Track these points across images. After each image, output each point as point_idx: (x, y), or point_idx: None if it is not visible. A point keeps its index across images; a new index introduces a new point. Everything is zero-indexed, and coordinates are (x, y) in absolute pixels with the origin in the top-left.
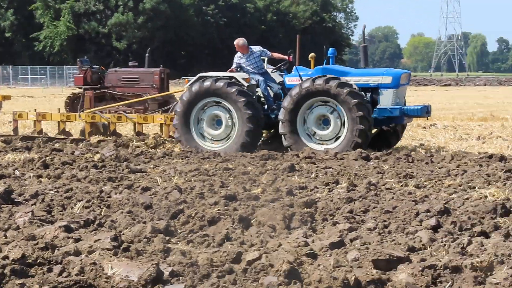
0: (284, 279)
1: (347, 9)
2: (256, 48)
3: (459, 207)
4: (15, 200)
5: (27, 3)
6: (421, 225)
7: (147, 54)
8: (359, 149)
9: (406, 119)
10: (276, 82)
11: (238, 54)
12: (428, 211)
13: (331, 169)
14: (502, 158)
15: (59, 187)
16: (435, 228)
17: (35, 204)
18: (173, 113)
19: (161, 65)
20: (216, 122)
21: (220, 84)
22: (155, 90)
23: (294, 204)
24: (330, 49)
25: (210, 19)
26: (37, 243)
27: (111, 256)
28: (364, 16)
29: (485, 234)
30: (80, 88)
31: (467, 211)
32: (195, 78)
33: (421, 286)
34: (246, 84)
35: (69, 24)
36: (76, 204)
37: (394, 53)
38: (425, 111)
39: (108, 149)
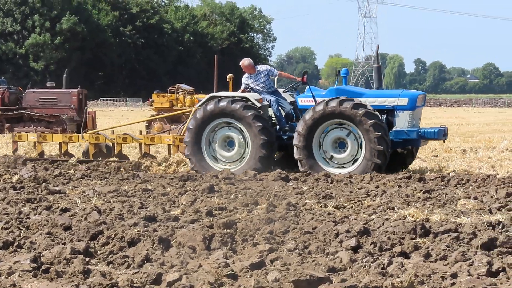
0: None
1: (265, 30)
2: (263, 67)
3: (379, 228)
4: None
5: None
6: (341, 245)
7: (64, 75)
8: (278, 170)
9: (423, 142)
10: (287, 101)
11: (246, 74)
12: (348, 231)
13: (250, 190)
14: (421, 179)
15: None
16: (355, 249)
17: None
18: (181, 134)
19: (79, 86)
20: (228, 143)
21: (237, 106)
22: (73, 111)
23: (214, 225)
24: (343, 69)
25: (127, 39)
26: None
27: (30, 278)
28: (282, 37)
29: (405, 255)
30: None
31: (387, 231)
32: (206, 98)
33: None
34: (259, 104)
35: None
36: None
37: (312, 74)
38: (442, 134)
39: (27, 170)
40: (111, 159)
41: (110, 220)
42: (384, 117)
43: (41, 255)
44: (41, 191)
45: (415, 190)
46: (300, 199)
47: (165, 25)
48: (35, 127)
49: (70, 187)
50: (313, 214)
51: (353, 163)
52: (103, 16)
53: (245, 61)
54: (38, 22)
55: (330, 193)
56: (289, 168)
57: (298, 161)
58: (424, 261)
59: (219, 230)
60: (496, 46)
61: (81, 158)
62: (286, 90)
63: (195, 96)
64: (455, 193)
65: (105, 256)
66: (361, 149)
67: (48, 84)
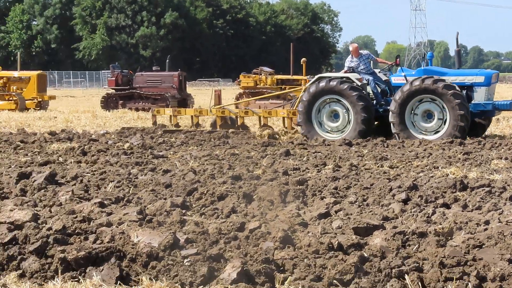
0: (280, 244)
1: (333, 22)
2: (365, 52)
3: (425, 184)
4: (58, 181)
5: (68, 19)
6: (393, 198)
7: (167, 60)
8: (342, 136)
9: (497, 113)
10: (383, 81)
11: (349, 57)
12: (399, 187)
13: (320, 153)
14: (461, 143)
15: (95, 171)
16: (405, 201)
17: (75, 184)
18: (294, 108)
19: (179, 69)
20: (334, 115)
21: (334, 83)
22: (174, 90)
23: (289, 182)
24: (429, 53)
25: (219, 31)
26: (76, 217)
27: (136, 227)
28: (347, 27)
29: (447, 206)
30: (113, 89)
31: (432, 186)
32: (314, 78)
33: (392, 248)
34: (359, 83)
35: (103, 37)
36: (109, 184)
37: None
38: None
39: (136, 138)
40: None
41: (203, 179)
42: (464, 92)
43: (146, 208)
44: (147, 156)
45: (456, 152)
46: (361, 160)
47: (250, 18)
48: (143, 104)
49: (172, 152)
50: (371, 173)
51: (435, 133)
52: (199, 11)
53: (354, 45)
54: (145, 17)
55: (386, 155)
56: (384, 135)
57: (391, 123)
58: (462, 211)
59: (293, 187)
60: None
61: (210, 129)
62: (381, 71)
63: (275, 76)
64: (489, 155)
65: (199, 209)
66: (445, 122)
67: (154, 68)
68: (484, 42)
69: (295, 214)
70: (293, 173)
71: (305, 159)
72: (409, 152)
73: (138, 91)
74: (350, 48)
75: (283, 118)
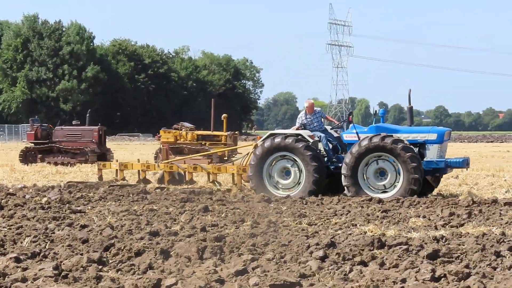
0: None
1: (255, 78)
2: (318, 109)
3: (343, 241)
4: None
5: None
6: (311, 256)
7: (87, 115)
8: (262, 193)
9: (449, 170)
10: (334, 137)
11: (302, 114)
12: (317, 244)
13: (238, 209)
14: (380, 201)
15: (11, 225)
16: (323, 258)
17: None
18: (244, 165)
19: (99, 124)
20: (285, 172)
21: (289, 140)
22: (94, 144)
23: (206, 239)
24: (381, 110)
25: (141, 85)
26: None
27: (52, 283)
28: (269, 83)
29: (364, 263)
30: (32, 143)
31: (350, 244)
32: (266, 135)
33: None
34: (311, 140)
35: (24, 90)
36: (25, 239)
37: (293, 114)
38: (465, 163)
39: (54, 193)
40: (119, 183)
41: (121, 235)
42: (416, 149)
43: (62, 263)
44: (65, 211)
45: (375, 210)
46: (279, 217)
47: (172, 73)
48: (62, 158)
49: (89, 207)
50: (289, 230)
51: (392, 189)
52: (121, 66)
53: (310, 102)
54: (67, 71)
55: (304, 212)
56: (334, 193)
57: (345, 187)
58: (379, 269)
59: (210, 243)
60: (445, 91)
61: (157, 185)
62: (332, 128)
63: (196, 132)
64: (407, 213)
65: (115, 265)
66: (399, 177)
67: (74, 122)
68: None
69: (212, 270)
70: (211, 229)
71: (224, 215)
72: (328, 209)
73: (58, 145)
74: (306, 105)
75: (233, 174)
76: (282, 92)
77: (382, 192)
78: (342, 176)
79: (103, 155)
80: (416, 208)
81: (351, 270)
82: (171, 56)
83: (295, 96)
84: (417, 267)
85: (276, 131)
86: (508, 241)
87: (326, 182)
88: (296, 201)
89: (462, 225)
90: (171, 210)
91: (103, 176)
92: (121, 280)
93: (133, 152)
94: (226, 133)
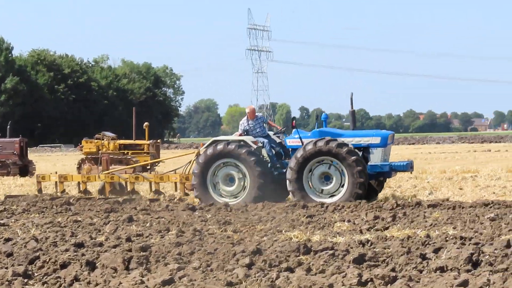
0: None
1: (175, 85)
2: (259, 115)
3: (269, 248)
4: None
5: None
6: (237, 263)
7: (8, 127)
8: (186, 202)
9: (393, 174)
10: (277, 143)
11: (244, 120)
12: (243, 251)
13: (163, 218)
14: (304, 206)
15: None
16: (249, 266)
17: None
18: (186, 173)
19: (20, 135)
20: (229, 179)
21: (232, 146)
22: (16, 156)
23: (132, 249)
24: (323, 114)
25: (61, 96)
26: None
27: None
28: (190, 90)
29: (291, 270)
30: None
31: (276, 250)
32: (209, 142)
33: None
34: (254, 146)
35: None
36: None
37: (215, 121)
38: (410, 166)
39: None
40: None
41: (45, 247)
42: (360, 153)
43: None
44: None
45: (300, 215)
46: (204, 225)
47: (92, 83)
48: None
49: (13, 220)
50: (215, 238)
51: (338, 194)
52: (41, 76)
53: (251, 107)
54: None
55: (229, 219)
56: (279, 198)
57: (290, 192)
58: (306, 275)
59: (136, 253)
60: (366, 94)
61: (99, 196)
62: (275, 133)
63: (117, 141)
64: (332, 217)
65: (41, 277)
66: (345, 182)
67: None
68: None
69: (139, 281)
70: (137, 239)
71: (149, 225)
72: (253, 216)
73: None
74: (247, 110)
75: (175, 183)
76: (203, 99)
77: (328, 197)
78: (287, 181)
79: (25, 167)
80: (340, 213)
81: (278, 277)
82: (90, 65)
83: (216, 103)
84: (343, 272)
85: (218, 137)
86: (433, 243)
87: (271, 188)
88: (221, 208)
89: (387, 228)
90: (96, 221)
91: (42, 188)
92: None
93: (55, 163)
94: (148, 142)
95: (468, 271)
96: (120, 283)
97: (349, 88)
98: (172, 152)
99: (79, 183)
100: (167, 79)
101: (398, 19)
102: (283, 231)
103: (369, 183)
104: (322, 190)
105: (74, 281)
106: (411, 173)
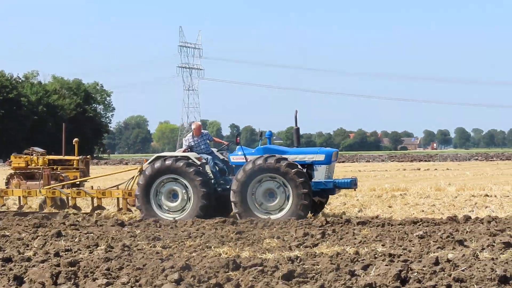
0: None
1: (106, 102)
2: (205, 132)
3: (198, 263)
4: None
5: None
6: (166, 279)
7: None
8: (116, 217)
9: (337, 191)
10: (220, 159)
11: (189, 136)
12: (172, 267)
13: (92, 234)
14: (234, 222)
15: None
16: (178, 281)
17: None
18: (129, 189)
19: None
20: (173, 195)
21: (180, 163)
22: None
23: (60, 263)
24: (267, 131)
25: None
26: None
27: None
28: (120, 107)
29: (220, 286)
30: None
31: (205, 266)
32: (153, 157)
33: None
34: (198, 162)
35: None
36: None
37: (145, 138)
38: (353, 183)
39: None
40: None
41: None
42: (304, 170)
43: None
44: None
45: (229, 232)
46: (133, 241)
47: (22, 98)
48: None
49: None
50: (144, 253)
51: (279, 212)
52: None
53: (197, 124)
54: None
55: (158, 235)
56: (223, 214)
57: (232, 203)
58: None
59: (64, 268)
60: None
61: (38, 210)
62: (219, 150)
63: (47, 157)
64: (261, 234)
65: None
66: (288, 201)
67: None
68: (256, 122)
69: None
70: (65, 254)
71: (77, 240)
72: (182, 232)
73: None
74: (193, 127)
75: (117, 198)
76: (133, 116)
77: (276, 212)
78: (231, 193)
79: None
80: (270, 229)
81: None
82: (20, 81)
83: (146, 120)
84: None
85: (163, 153)
86: (362, 260)
87: (213, 206)
88: (150, 224)
89: (316, 245)
90: (24, 235)
91: None
92: None
93: None
94: (77, 157)
95: None
96: None
97: (279, 106)
98: (102, 168)
99: (19, 197)
100: (97, 96)
101: (328, 37)
102: (212, 247)
103: (313, 200)
104: (267, 206)
105: None
106: (354, 190)
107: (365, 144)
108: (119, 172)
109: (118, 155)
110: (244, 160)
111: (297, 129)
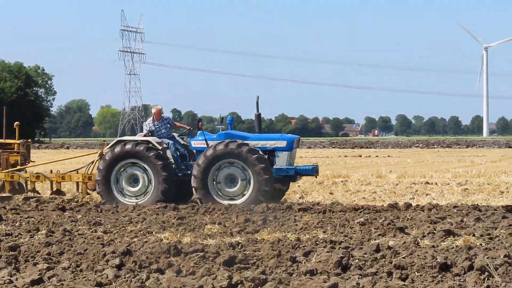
0: None
1: (47, 85)
2: (165, 116)
3: (139, 249)
4: None
5: None
6: (107, 264)
7: None
8: (56, 202)
9: (298, 178)
10: (182, 145)
11: (149, 120)
12: (113, 252)
13: (33, 218)
14: (175, 208)
15: None
16: (119, 266)
17: None
18: (89, 173)
19: None
20: (133, 180)
21: (140, 148)
22: None
23: (1, 248)
24: (229, 117)
25: None
26: None
27: None
28: (61, 90)
29: (161, 271)
30: None
31: (146, 252)
32: (114, 141)
33: None
34: (160, 147)
35: None
36: None
37: (87, 122)
38: (315, 171)
39: None
40: None
41: None
42: (266, 156)
43: None
44: None
45: (170, 217)
46: (74, 226)
47: None
48: None
49: None
50: (85, 238)
51: (241, 197)
52: None
53: (157, 108)
54: None
55: (100, 220)
56: (183, 200)
57: (193, 188)
58: (176, 276)
59: (5, 253)
60: (238, 99)
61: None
62: (180, 135)
63: None
64: (203, 220)
65: None
66: (249, 186)
67: None
68: (198, 107)
69: (7, 280)
70: (5, 238)
71: (18, 224)
72: (123, 217)
73: None
74: (153, 111)
75: (77, 183)
76: (75, 100)
77: (232, 199)
78: (192, 179)
79: None
80: (211, 215)
81: (148, 278)
82: None
83: (88, 104)
84: (213, 274)
85: (124, 137)
86: (303, 246)
87: (173, 191)
88: (91, 209)
89: (257, 231)
90: None
91: None
92: None
93: None
94: (18, 141)
95: (337, 274)
96: None
97: (221, 91)
98: (43, 152)
99: None
100: (38, 79)
101: (272, 23)
102: (153, 233)
103: (274, 187)
104: (227, 192)
105: None
106: (316, 177)
107: (307, 130)
108: (79, 156)
109: (59, 139)
110: (205, 146)
111: (259, 115)
